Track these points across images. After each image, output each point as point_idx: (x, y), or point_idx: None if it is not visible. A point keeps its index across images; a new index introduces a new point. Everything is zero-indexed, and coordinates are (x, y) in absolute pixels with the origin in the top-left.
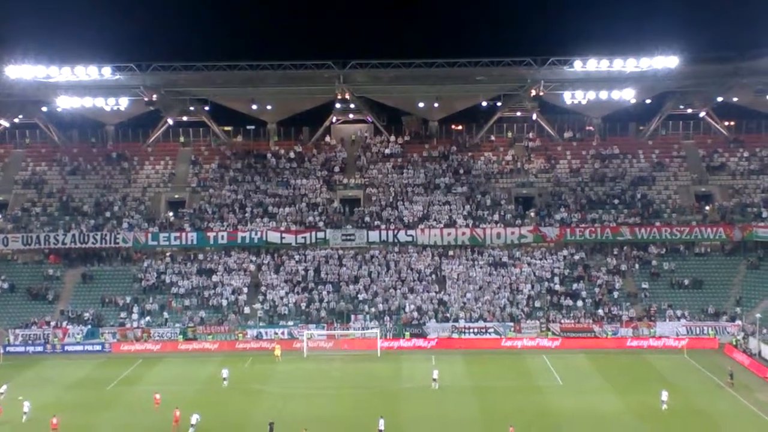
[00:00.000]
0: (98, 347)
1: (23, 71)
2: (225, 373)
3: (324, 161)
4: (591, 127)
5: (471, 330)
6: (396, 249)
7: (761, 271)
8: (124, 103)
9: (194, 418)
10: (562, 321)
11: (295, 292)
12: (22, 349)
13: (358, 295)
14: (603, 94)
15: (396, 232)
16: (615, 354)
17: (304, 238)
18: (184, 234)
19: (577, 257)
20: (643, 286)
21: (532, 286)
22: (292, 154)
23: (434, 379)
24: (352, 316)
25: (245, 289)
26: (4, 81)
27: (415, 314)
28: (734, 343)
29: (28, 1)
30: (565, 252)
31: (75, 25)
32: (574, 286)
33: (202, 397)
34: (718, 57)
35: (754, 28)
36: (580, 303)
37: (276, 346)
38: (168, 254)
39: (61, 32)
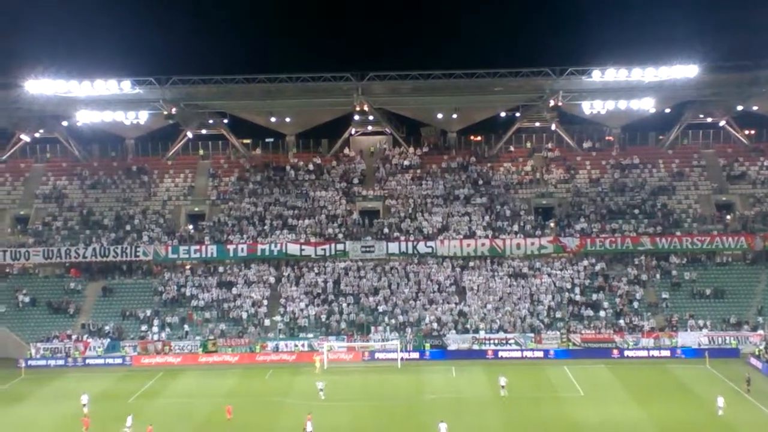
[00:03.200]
0: (119, 360)
1: (44, 86)
2: (320, 385)
3: (343, 173)
4: (610, 137)
5: (491, 341)
6: (416, 260)
7: None
8: (143, 116)
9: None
10: (583, 331)
11: (314, 304)
12: (43, 362)
13: (378, 307)
14: (622, 104)
15: (415, 243)
16: (636, 364)
17: (324, 250)
18: (204, 247)
19: (597, 267)
20: (664, 296)
21: (553, 297)
22: (311, 166)
23: (502, 386)
24: (372, 328)
25: (265, 302)
26: (24, 96)
27: (435, 325)
28: (757, 353)
29: (48, 17)
30: (585, 262)
31: (94, 39)
32: (595, 296)
33: (222, 409)
34: (738, 66)
35: None
36: (601, 313)
37: (317, 357)
38: (188, 267)
39: (81, 47)
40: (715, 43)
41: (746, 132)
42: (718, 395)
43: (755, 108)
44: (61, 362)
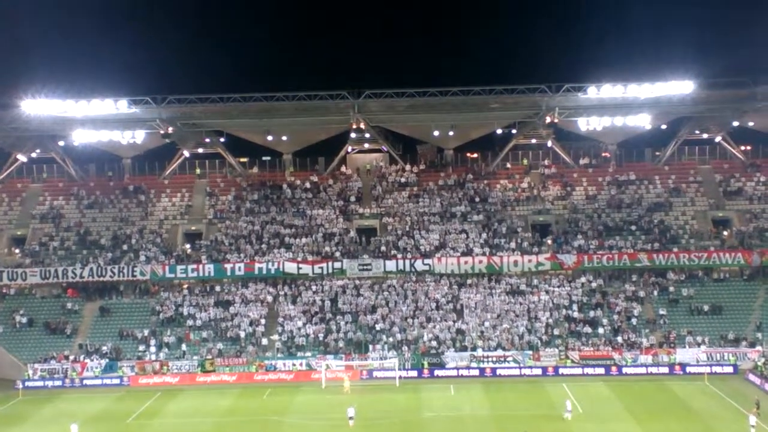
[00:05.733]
0: (117, 380)
1: (40, 106)
2: (351, 412)
3: (340, 191)
4: (607, 154)
5: (490, 359)
6: (413, 278)
7: None
8: (140, 136)
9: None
10: (582, 348)
11: (312, 322)
12: (41, 383)
13: (376, 325)
14: (618, 120)
15: (413, 261)
16: (635, 381)
17: (321, 268)
18: (201, 266)
19: (594, 284)
20: (662, 312)
21: (551, 314)
22: (307, 185)
23: (568, 411)
24: (370, 346)
25: (263, 321)
26: (21, 116)
27: (434, 343)
28: (759, 369)
29: (45, 37)
30: (582, 279)
31: (91, 59)
32: (592, 313)
33: (220, 429)
34: (733, 82)
35: None
36: (600, 330)
37: (345, 376)
38: (185, 286)
39: (78, 66)
40: (711, 60)
41: (742, 148)
42: (750, 414)
43: (751, 124)
44: (58, 383)
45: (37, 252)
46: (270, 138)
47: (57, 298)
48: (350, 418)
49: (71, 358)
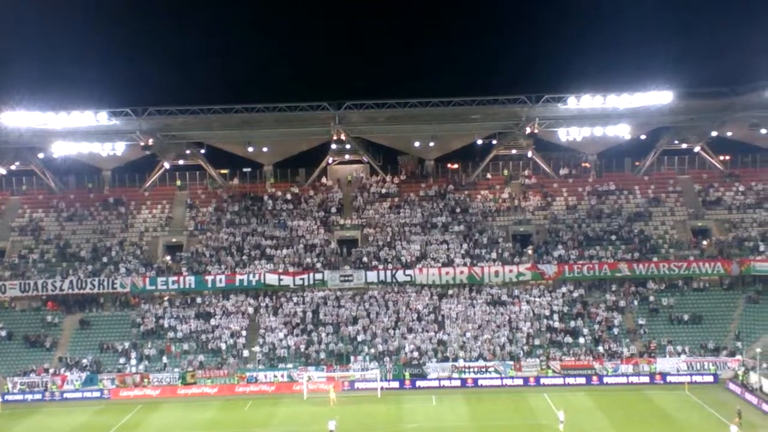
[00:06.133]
0: (97, 394)
1: (19, 118)
2: (332, 425)
3: (321, 202)
4: (587, 164)
5: (471, 369)
6: (394, 289)
7: (760, 305)
8: (120, 148)
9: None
10: (563, 358)
11: (294, 334)
12: (20, 397)
13: (357, 336)
14: (598, 131)
15: (394, 272)
16: (616, 391)
17: (302, 279)
18: (181, 278)
19: (575, 294)
20: (642, 322)
21: (532, 324)
22: (288, 196)
23: (561, 422)
24: (352, 358)
25: (244, 332)
26: (0, 128)
27: (415, 354)
28: (740, 378)
29: (24, 48)
30: (563, 289)
31: (71, 71)
32: (573, 323)
33: None
34: (712, 92)
35: (746, 63)
36: (581, 340)
37: (330, 388)
38: (166, 298)
39: (57, 78)
40: (690, 70)
41: (721, 158)
42: (731, 424)
43: (729, 134)
44: (38, 396)
45: (17, 265)
46: (251, 149)
47: (37, 311)
48: (330, 431)
49: (51, 371)
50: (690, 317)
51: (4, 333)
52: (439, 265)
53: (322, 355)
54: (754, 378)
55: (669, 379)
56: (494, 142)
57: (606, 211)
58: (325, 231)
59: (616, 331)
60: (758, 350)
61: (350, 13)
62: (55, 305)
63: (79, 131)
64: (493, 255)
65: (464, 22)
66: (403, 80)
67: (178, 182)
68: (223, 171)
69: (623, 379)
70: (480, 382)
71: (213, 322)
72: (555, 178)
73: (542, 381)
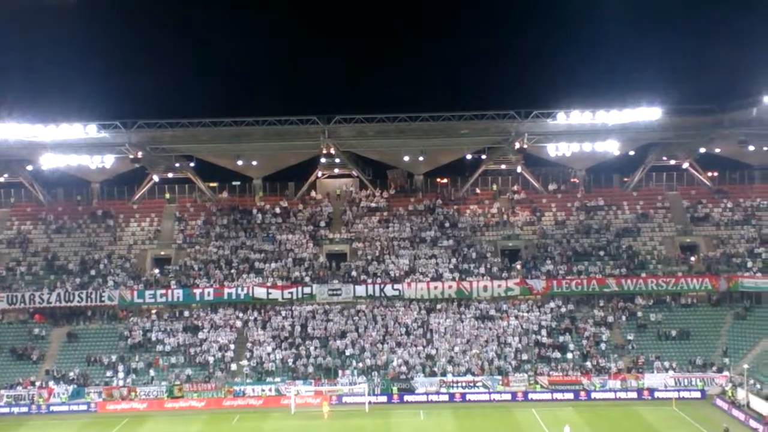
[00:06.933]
0: (84, 407)
1: (8, 130)
2: None
3: (310, 216)
4: (575, 179)
5: (459, 384)
6: (383, 303)
7: (748, 321)
8: (109, 160)
9: None
10: (550, 374)
11: (282, 348)
12: (6, 410)
13: (346, 351)
14: (587, 146)
15: (383, 286)
16: (603, 406)
17: (291, 293)
18: (170, 291)
19: (563, 309)
20: (630, 337)
21: (520, 339)
22: (277, 210)
23: None
24: (340, 372)
25: (232, 346)
26: None
27: (403, 368)
28: (729, 394)
29: (12, 61)
30: (552, 304)
31: (60, 83)
32: (561, 338)
33: None
34: (701, 109)
35: (735, 80)
36: (569, 355)
37: (324, 402)
38: (154, 312)
39: (46, 91)
40: (679, 86)
41: (709, 174)
42: None
43: (718, 150)
44: (25, 409)
45: (4, 277)
46: (240, 163)
47: (24, 323)
48: None
49: (38, 384)
50: (678, 333)
51: None
52: (428, 279)
53: (310, 369)
54: (741, 394)
55: (657, 394)
56: (483, 156)
57: (594, 227)
58: (314, 245)
59: (603, 346)
60: (746, 366)
61: (340, 27)
62: (43, 318)
63: (67, 143)
64: (482, 270)
65: (454, 37)
66: (392, 95)
67: (167, 195)
68: (212, 184)
69: (611, 395)
70: (468, 396)
71: (201, 335)
72: (544, 193)
73: (530, 396)
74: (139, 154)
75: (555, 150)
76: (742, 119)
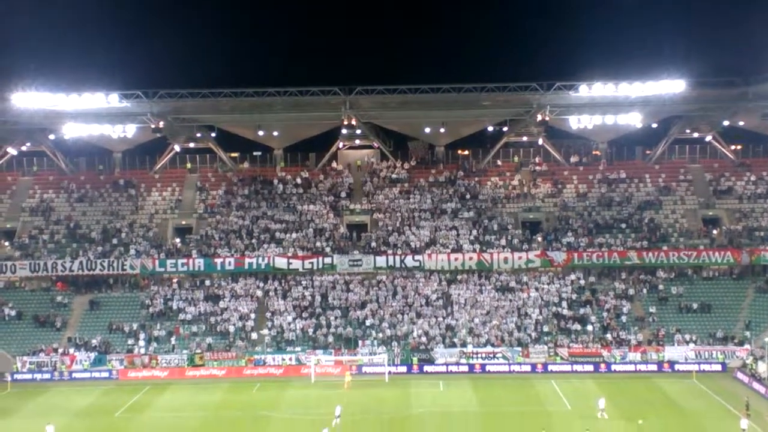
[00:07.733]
0: (105, 374)
1: (31, 99)
2: (338, 410)
3: (330, 187)
4: (597, 152)
5: (479, 355)
6: (403, 274)
7: None
8: (131, 130)
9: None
10: (570, 345)
11: (302, 317)
12: (29, 376)
13: (366, 321)
14: (609, 119)
15: (403, 257)
16: (623, 378)
17: (311, 263)
18: (191, 260)
19: (584, 282)
20: (651, 310)
21: (540, 311)
22: (298, 180)
23: (601, 410)
24: (360, 342)
25: (252, 315)
26: (11, 109)
27: (423, 339)
28: (750, 367)
29: (35, 30)
30: (572, 276)
31: (82, 52)
32: (582, 310)
33: (209, 424)
34: (724, 81)
35: (760, 53)
36: (589, 327)
37: (347, 373)
38: (175, 280)
39: (69, 60)
40: (702, 59)
41: (732, 147)
42: (741, 417)
43: (741, 123)
44: (47, 376)
45: (27, 245)
46: (261, 133)
47: (46, 291)
48: (337, 416)
49: (60, 351)
50: (699, 306)
51: (13, 313)
52: (449, 250)
53: (330, 339)
54: (762, 367)
55: (677, 367)
56: (505, 129)
57: (616, 199)
58: (335, 215)
59: (624, 319)
60: (766, 340)
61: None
62: (65, 286)
63: (89, 113)
64: (503, 241)
65: (476, 9)
66: (414, 66)
67: (189, 165)
68: (233, 154)
69: (631, 367)
70: (488, 368)
71: (222, 304)
72: (565, 165)
73: (550, 368)
74: (161, 124)
75: (577, 122)
76: (766, 92)
